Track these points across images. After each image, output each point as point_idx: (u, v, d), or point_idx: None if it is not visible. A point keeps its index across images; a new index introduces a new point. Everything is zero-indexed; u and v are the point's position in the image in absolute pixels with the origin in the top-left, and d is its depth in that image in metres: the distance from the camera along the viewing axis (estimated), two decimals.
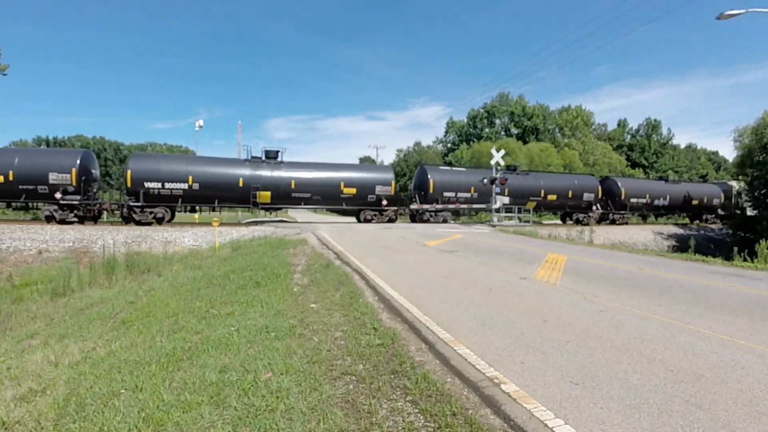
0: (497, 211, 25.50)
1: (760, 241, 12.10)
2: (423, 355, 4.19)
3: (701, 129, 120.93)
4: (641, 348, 4.29)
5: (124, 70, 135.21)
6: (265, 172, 23.52)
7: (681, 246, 23.82)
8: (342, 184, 24.65)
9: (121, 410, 3.34)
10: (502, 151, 26.64)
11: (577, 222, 30.07)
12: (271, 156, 24.31)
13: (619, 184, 31.42)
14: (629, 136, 66.52)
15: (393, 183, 26.00)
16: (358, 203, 25.55)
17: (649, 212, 34.09)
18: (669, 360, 3.98)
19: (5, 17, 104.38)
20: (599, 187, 31.03)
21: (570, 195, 29.86)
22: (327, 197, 24.83)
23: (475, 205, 27.55)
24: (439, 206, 26.23)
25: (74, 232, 18.10)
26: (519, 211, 26.83)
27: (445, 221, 26.55)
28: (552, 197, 29.40)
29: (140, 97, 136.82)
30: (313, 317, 5.47)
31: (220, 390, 3.49)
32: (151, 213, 21.79)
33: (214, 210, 25.67)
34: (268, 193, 23.45)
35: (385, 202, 25.41)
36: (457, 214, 30.06)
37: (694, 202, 34.08)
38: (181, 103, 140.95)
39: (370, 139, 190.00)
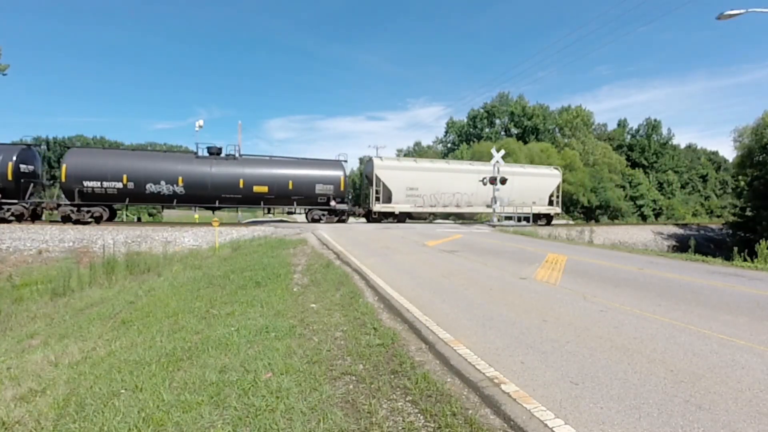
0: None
1: (760, 241, 12.10)
2: (423, 355, 4.19)
3: (701, 129, 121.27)
4: (641, 348, 4.29)
5: (124, 70, 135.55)
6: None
7: (681, 246, 23.83)
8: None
9: (121, 410, 3.34)
10: (502, 151, 26.66)
11: None
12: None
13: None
14: (629, 136, 66.53)
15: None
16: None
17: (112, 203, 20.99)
18: (669, 360, 3.98)
19: (5, 17, 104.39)
20: None
21: None
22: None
23: None
24: None
25: (74, 232, 18.09)
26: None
27: None
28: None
29: (140, 97, 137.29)
30: (313, 317, 5.47)
31: (220, 390, 3.48)
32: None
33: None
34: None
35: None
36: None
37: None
38: (181, 103, 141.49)
39: (370, 139, 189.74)
